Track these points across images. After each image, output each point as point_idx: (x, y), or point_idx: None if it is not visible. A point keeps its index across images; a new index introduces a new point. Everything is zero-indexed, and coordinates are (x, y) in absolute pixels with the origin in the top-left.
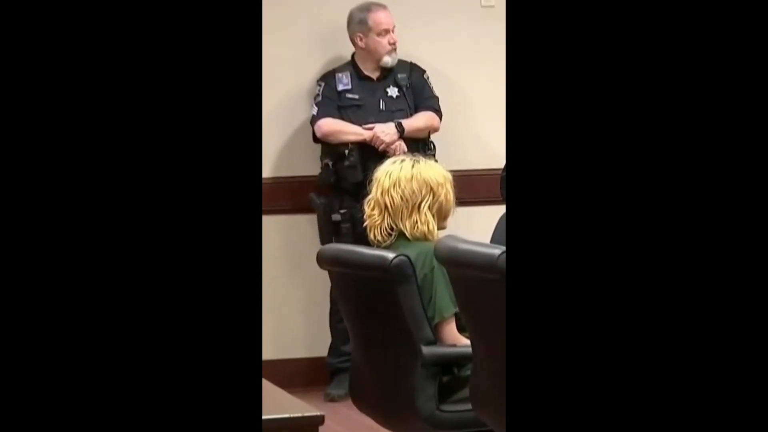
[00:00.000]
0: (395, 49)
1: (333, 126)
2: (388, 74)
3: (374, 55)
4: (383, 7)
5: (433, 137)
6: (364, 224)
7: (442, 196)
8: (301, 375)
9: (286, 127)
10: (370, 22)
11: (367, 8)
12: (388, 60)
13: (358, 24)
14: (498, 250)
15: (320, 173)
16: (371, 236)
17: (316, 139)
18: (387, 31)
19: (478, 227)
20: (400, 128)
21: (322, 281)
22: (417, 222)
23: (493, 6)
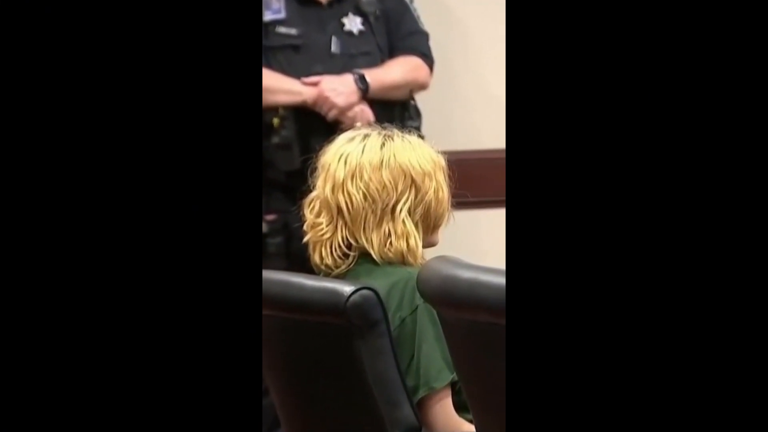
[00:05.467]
0: None
1: None
2: None
3: None
4: None
5: (419, 99)
6: (305, 239)
7: (431, 193)
8: None
9: None
10: None
11: None
12: None
13: None
14: None
15: None
16: (316, 258)
17: None
18: None
19: (490, 242)
20: (362, 83)
21: None
22: (390, 235)
23: None
